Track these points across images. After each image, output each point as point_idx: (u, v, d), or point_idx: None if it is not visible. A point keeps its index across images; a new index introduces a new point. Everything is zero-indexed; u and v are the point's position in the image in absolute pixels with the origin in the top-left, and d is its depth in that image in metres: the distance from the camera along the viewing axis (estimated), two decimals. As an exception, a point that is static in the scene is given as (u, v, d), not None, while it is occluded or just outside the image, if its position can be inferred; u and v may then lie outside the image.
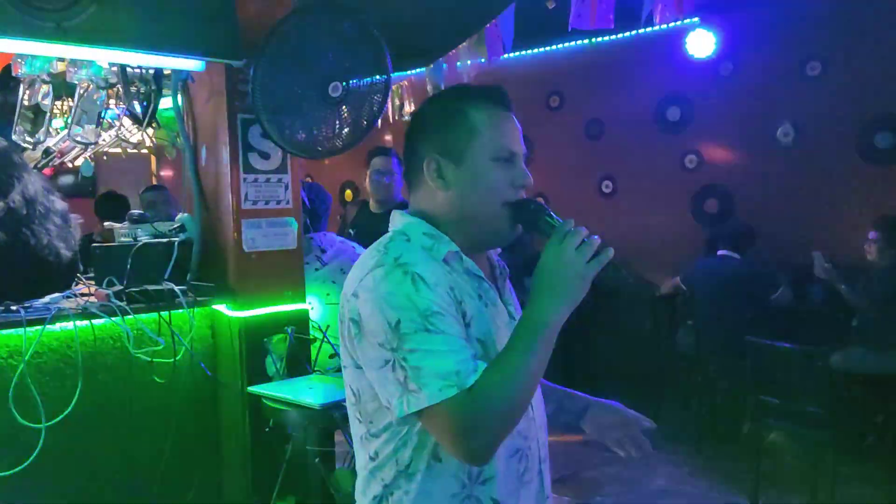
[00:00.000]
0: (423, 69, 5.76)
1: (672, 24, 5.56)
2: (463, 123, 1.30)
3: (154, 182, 6.18)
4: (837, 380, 3.74)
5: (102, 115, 3.01)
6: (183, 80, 2.80)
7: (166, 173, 6.75)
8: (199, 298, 2.64)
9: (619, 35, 6.00)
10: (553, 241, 1.24)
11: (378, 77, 2.67)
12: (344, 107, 2.62)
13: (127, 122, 3.14)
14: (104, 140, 3.28)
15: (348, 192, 8.28)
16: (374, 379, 1.22)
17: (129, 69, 2.74)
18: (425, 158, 1.31)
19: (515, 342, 1.20)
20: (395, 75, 3.07)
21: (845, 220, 5.09)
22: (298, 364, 2.66)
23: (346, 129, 2.65)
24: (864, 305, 4.17)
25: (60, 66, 2.79)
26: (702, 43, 5.49)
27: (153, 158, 6.15)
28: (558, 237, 1.23)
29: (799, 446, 4.08)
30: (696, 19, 5.44)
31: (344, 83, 2.59)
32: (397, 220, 1.36)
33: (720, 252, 4.81)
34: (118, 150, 3.77)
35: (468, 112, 1.30)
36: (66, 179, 5.34)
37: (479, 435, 1.14)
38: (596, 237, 1.23)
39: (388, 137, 6.83)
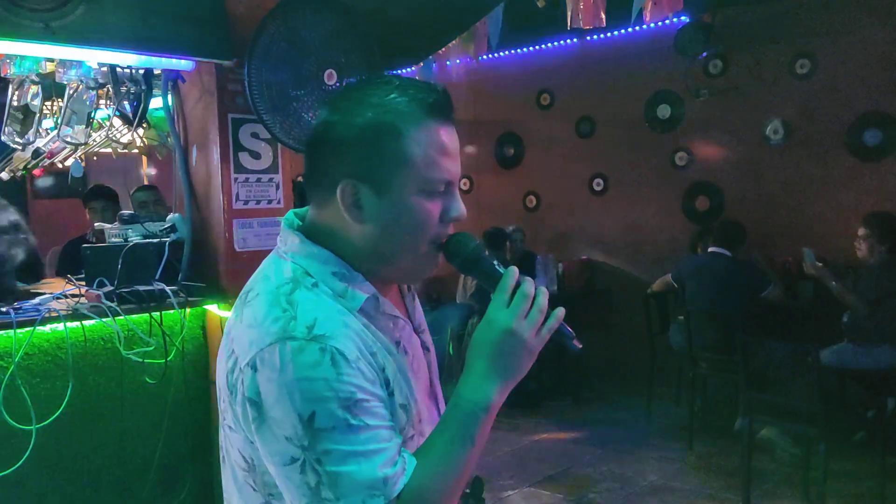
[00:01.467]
0: (413, 68, 5.76)
1: (662, 22, 5.59)
2: (392, 148, 1.02)
3: (145, 182, 6.15)
4: (828, 376, 3.76)
5: (92, 115, 3.00)
6: (173, 80, 2.80)
7: (157, 173, 6.73)
8: (190, 299, 2.63)
9: (610, 33, 6.01)
10: (497, 304, 1.04)
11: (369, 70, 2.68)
12: None
13: (117, 122, 3.13)
14: (94, 140, 3.27)
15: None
16: (276, 475, 1.00)
17: (118, 69, 2.73)
18: (340, 183, 1.03)
19: (449, 429, 1.02)
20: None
21: (835, 216, 5.13)
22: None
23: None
24: (854, 302, 4.20)
25: (50, 67, 2.77)
26: (691, 40, 5.50)
27: (144, 159, 6.13)
28: (502, 299, 1.04)
29: (790, 442, 4.11)
30: (685, 17, 5.46)
31: (337, 70, 2.60)
32: (293, 244, 1.08)
33: (711, 249, 4.84)
34: (108, 150, 3.75)
35: (401, 133, 1.02)
36: (57, 180, 5.32)
37: None
38: (544, 296, 1.04)
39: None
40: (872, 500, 3.67)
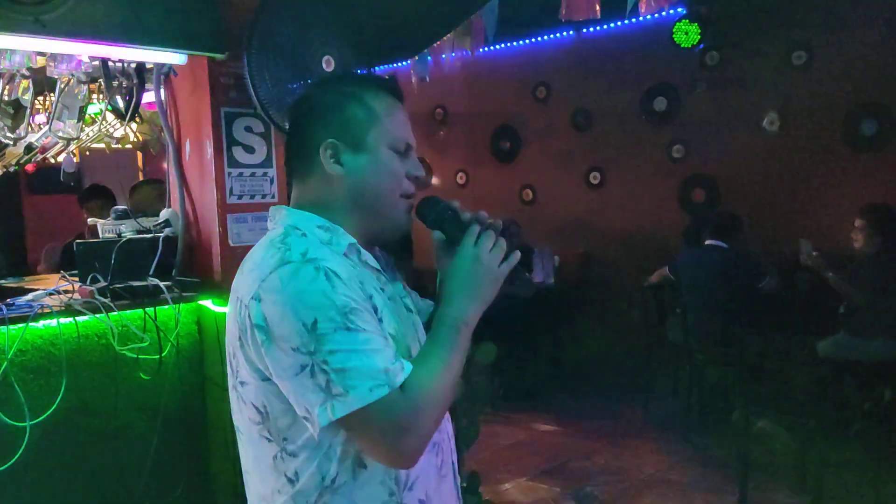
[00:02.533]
0: (408, 61, 5.74)
1: (658, 14, 5.58)
2: (363, 109, 1.24)
3: (140, 177, 6.12)
4: (824, 367, 3.76)
5: (84, 109, 2.98)
6: (165, 74, 2.78)
7: (154, 168, 6.70)
8: (184, 294, 2.61)
9: (606, 26, 6.00)
10: (467, 243, 1.23)
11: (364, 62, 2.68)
12: None
13: (110, 116, 3.11)
14: (87, 135, 3.24)
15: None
16: (290, 389, 1.11)
17: (110, 63, 2.71)
18: (321, 144, 1.22)
19: (438, 339, 1.18)
20: (379, 68, 3.05)
21: (832, 208, 5.12)
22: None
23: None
24: (851, 293, 4.20)
25: (40, 61, 2.75)
26: (687, 32, 5.49)
27: (139, 154, 6.10)
28: (471, 238, 1.23)
29: (787, 434, 4.11)
30: (681, 9, 5.44)
31: (334, 57, 2.60)
32: (282, 215, 1.25)
33: (707, 241, 4.83)
34: (101, 145, 3.73)
35: (367, 98, 1.24)
36: (50, 175, 5.28)
37: (412, 435, 1.10)
38: (503, 240, 1.24)
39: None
40: (869, 491, 3.67)
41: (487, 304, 1.23)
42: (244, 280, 1.16)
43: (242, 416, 1.21)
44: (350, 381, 1.07)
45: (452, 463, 1.33)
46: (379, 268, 1.25)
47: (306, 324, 1.07)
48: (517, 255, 1.24)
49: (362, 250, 1.23)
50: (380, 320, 1.16)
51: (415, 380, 1.11)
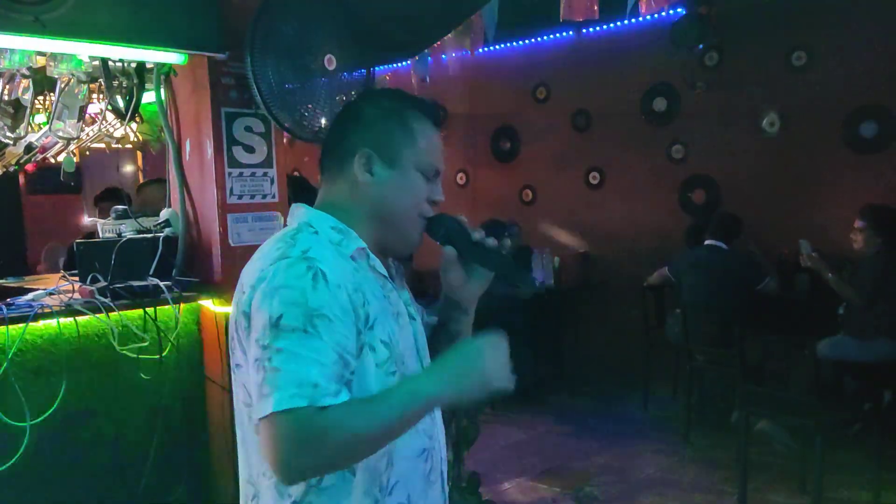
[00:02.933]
0: (408, 61, 5.74)
1: (658, 14, 5.58)
2: (403, 127, 1.28)
3: (141, 178, 6.12)
4: (824, 368, 3.76)
5: (84, 109, 2.98)
6: (165, 74, 2.77)
7: (154, 168, 6.69)
8: (184, 294, 2.61)
9: (606, 26, 5.99)
10: (490, 337, 1.18)
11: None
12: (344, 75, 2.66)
13: (110, 116, 3.10)
14: (87, 135, 3.24)
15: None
16: (249, 380, 1.14)
17: (110, 62, 2.70)
18: (358, 151, 1.26)
19: (393, 396, 1.12)
20: (379, 68, 3.06)
21: (831, 209, 5.12)
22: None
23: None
24: (851, 294, 4.20)
25: (40, 61, 2.75)
26: (687, 32, 5.48)
27: (139, 154, 6.09)
28: (497, 336, 1.18)
29: (787, 434, 4.11)
30: (681, 9, 5.44)
31: (336, 56, 2.60)
32: (300, 212, 1.29)
33: (707, 242, 4.83)
34: (101, 145, 3.72)
35: (408, 118, 1.29)
36: (49, 175, 5.27)
37: (307, 458, 1.05)
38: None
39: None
40: (869, 492, 3.67)
41: (463, 400, 1.16)
42: (251, 268, 1.20)
43: (237, 399, 1.25)
44: (276, 383, 1.05)
45: (442, 471, 1.35)
46: (386, 274, 1.27)
47: (272, 317, 1.09)
48: (511, 386, 1.18)
49: (371, 255, 1.25)
50: (371, 327, 1.17)
51: (342, 413, 1.06)
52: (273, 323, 1.08)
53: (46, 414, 2.25)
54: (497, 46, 6.56)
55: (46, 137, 3.05)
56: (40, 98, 3.12)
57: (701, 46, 5.51)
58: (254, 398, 1.10)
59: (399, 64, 5.98)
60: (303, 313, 1.08)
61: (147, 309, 2.51)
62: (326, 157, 1.32)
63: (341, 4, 2.66)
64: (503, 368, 1.17)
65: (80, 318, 2.39)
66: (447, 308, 1.41)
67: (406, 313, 1.31)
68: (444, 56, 5.92)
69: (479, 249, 1.31)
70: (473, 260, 1.33)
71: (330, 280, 1.12)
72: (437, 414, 1.34)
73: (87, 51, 2.57)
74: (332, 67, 2.61)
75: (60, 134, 2.88)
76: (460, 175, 7.19)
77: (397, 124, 1.28)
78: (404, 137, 1.27)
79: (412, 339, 1.30)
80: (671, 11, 5.49)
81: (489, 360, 1.15)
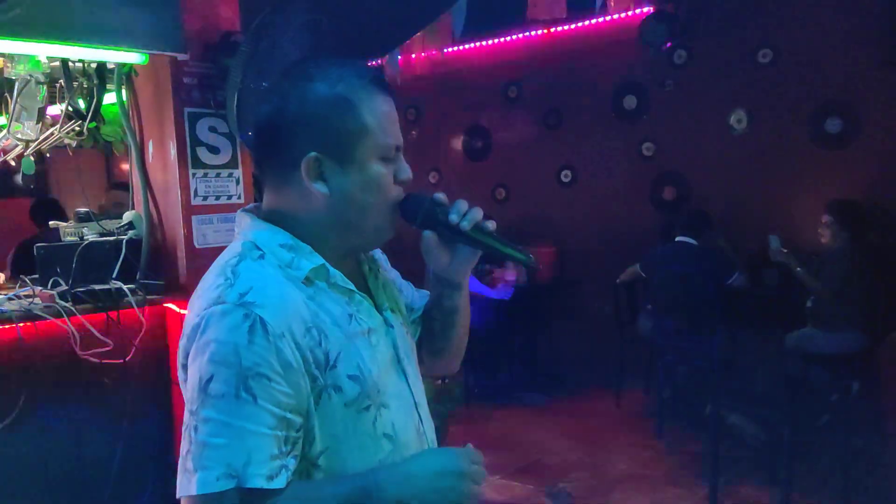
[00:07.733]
0: (378, 61, 5.72)
1: (626, 13, 5.62)
2: (353, 119, 1.08)
3: (109, 179, 6.03)
4: (792, 361, 3.81)
5: (44, 111, 2.92)
6: (126, 74, 2.73)
7: (122, 170, 6.60)
8: (148, 297, 2.58)
9: (575, 24, 6.02)
10: (455, 463, 1.11)
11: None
12: None
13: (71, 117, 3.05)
14: (47, 137, 3.18)
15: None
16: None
17: (71, 63, 2.66)
18: (303, 158, 1.06)
19: (345, 487, 1.02)
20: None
21: (799, 204, 5.18)
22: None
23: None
24: (818, 287, 4.26)
25: (-2, 62, 2.70)
26: (655, 31, 5.52)
27: (103, 156, 5.99)
28: (464, 462, 1.12)
29: (756, 426, 4.15)
30: (648, 8, 5.48)
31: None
32: (246, 223, 1.13)
33: (678, 238, 4.87)
34: (64, 147, 3.65)
35: (355, 104, 1.08)
36: (7, 179, 5.17)
37: None
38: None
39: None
40: (838, 482, 3.72)
41: None
42: (193, 304, 1.06)
43: None
44: (204, 461, 0.95)
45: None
46: (352, 287, 1.13)
47: (202, 378, 0.97)
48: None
49: (331, 270, 1.10)
50: (333, 367, 1.04)
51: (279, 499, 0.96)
52: (201, 387, 0.96)
53: (7, 421, 2.22)
54: (467, 45, 6.56)
55: (6, 140, 2.99)
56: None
57: (669, 45, 5.56)
58: (179, 469, 0.98)
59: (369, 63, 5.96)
60: (235, 374, 0.95)
61: (110, 313, 2.47)
62: (264, 164, 1.13)
63: (309, 8, 2.63)
64: (464, 495, 1.10)
65: (39, 323, 2.34)
66: (437, 285, 1.30)
67: (381, 324, 1.17)
68: (413, 55, 5.91)
69: (460, 231, 1.16)
70: (456, 241, 1.20)
71: (271, 329, 0.98)
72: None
73: (44, 51, 2.52)
74: None
75: (19, 136, 2.83)
76: (433, 174, 7.19)
77: (344, 116, 1.07)
78: (355, 130, 1.08)
79: (390, 352, 1.17)
80: (639, 10, 5.52)
81: (454, 492, 1.09)
